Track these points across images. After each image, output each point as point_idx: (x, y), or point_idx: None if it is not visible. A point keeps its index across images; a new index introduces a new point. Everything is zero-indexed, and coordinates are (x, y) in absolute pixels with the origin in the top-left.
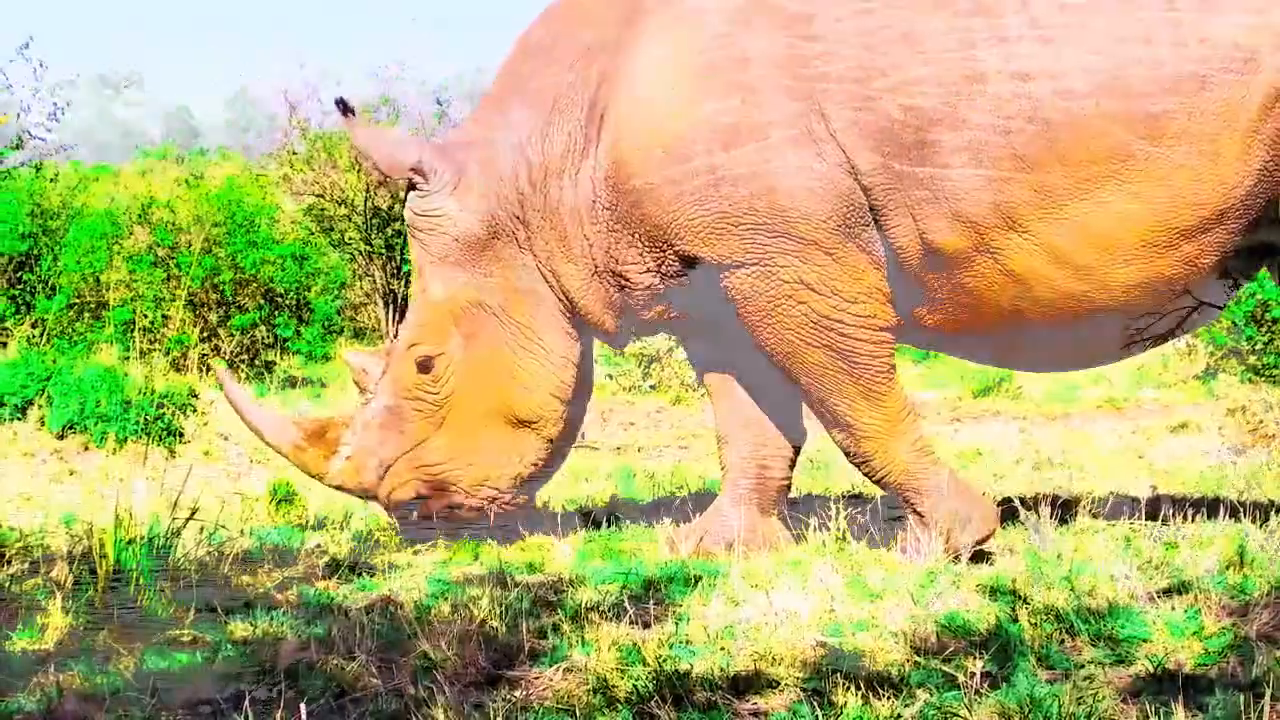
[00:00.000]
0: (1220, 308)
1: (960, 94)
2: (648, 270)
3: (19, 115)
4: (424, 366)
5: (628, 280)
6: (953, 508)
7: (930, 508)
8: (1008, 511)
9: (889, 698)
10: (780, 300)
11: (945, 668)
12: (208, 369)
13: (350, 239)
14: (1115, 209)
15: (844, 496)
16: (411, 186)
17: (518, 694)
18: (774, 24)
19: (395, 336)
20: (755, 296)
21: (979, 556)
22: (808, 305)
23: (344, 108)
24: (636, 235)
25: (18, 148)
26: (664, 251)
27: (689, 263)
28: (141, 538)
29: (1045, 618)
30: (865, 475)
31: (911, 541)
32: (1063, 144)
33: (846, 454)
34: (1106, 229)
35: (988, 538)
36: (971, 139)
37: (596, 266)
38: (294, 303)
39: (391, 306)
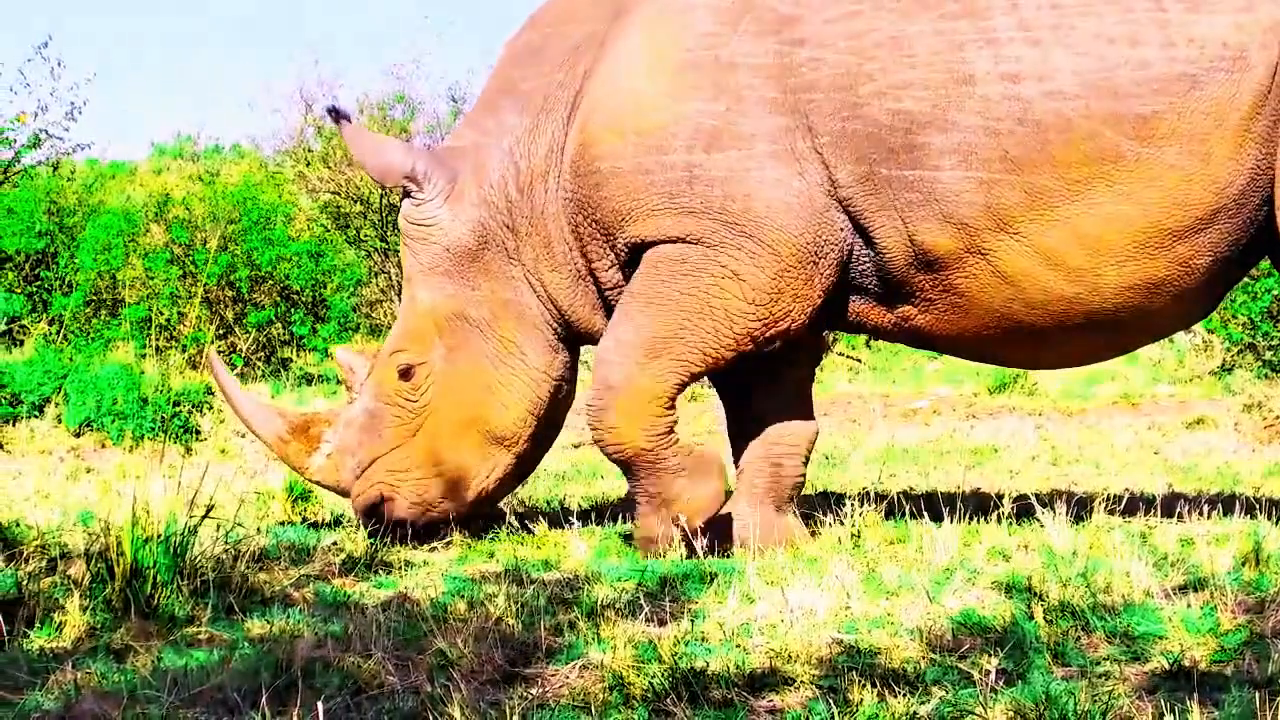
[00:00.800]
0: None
1: (949, 96)
2: (612, 265)
3: (37, 114)
4: (405, 374)
5: (600, 281)
6: (676, 492)
7: (656, 486)
8: (1023, 508)
9: (904, 695)
10: (699, 273)
11: (961, 665)
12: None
13: (366, 236)
14: (1106, 210)
15: (859, 493)
16: (406, 194)
17: (534, 691)
18: (764, 28)
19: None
20: (679, 262)
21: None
22: (723, 291)
23: (336, 115)
24: (594, 223)
25: (35, 146)
26: (615, 238)
27: (636, 248)
28: (158, 536)
29: (1061, 614)
30: (601, 446)
31: (644, 529)
32: (1052, 145)
33: (594, 419)
34: (1098, 230)
35: (714, 510)
36: (961, 141)
37: (579, 271)
38: (310, 300)
39: None
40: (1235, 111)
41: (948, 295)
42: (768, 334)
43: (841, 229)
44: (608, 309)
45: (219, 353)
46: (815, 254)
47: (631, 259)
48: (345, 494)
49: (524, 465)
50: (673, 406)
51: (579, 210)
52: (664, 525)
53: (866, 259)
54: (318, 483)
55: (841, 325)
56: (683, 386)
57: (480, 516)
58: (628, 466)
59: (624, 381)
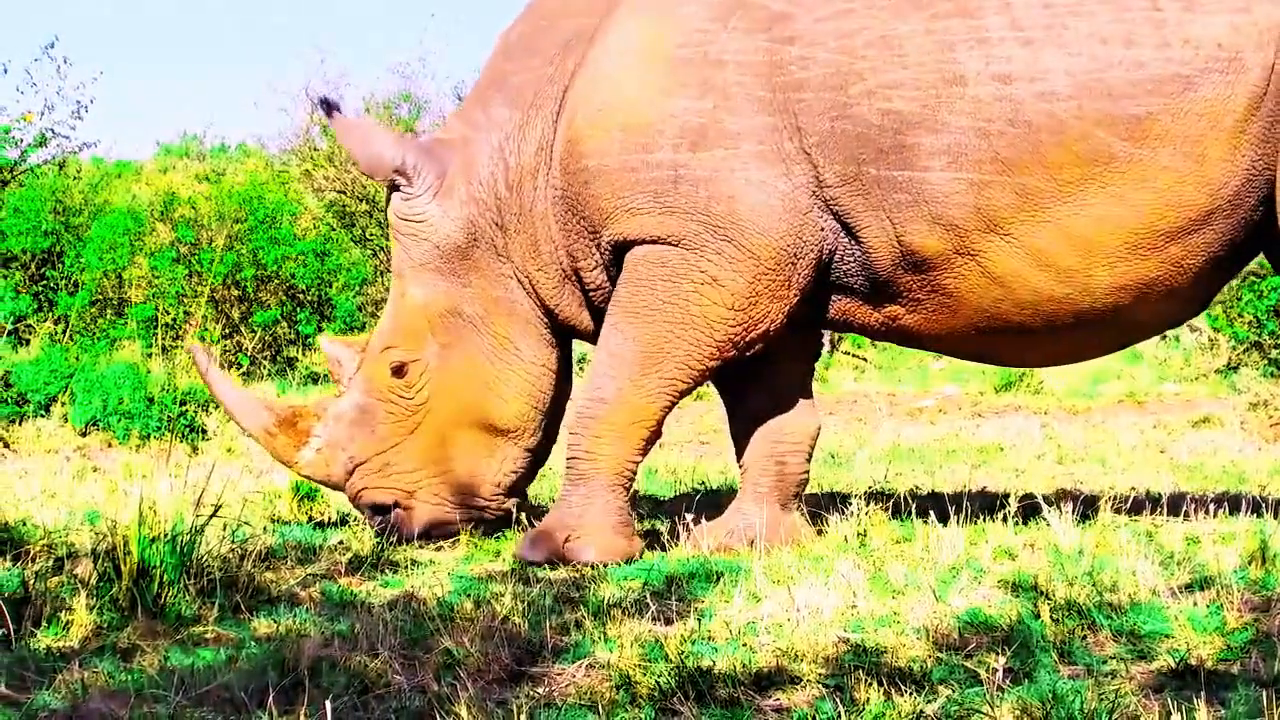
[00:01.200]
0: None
1: (940, 96)
2: (597, 265)
3: (43, 113)
4: (398, 371)
5: (584, 282)
6: (592, 522)
7: (578, 505)
8: (1029, 507)
9: (911, 694)
10: (678, 279)
11: (967, 664)
12: (231, 365)
13: (372, 235)
14: (1098, 211)
15: (865, 492)
16: (395, 187)
17: (540, 690)
18: (755, 25)
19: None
20: (658, 266)
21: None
22: (702, 298)
23: (327, 106)
24: (581, 221)
25: (41, 145)
26: (600, 236)
27: (620, 247)
28: (165, 535)
29: (1067, 613)
30: (571, 450)
31: (528, 539)
32: (1044, 146)
33: (579, 426)
34: (1089, 231)
35: (603, 560)
36: (952, 142)
37: (564, 271)
38: (315, 299)
39: None
40: (1230, 113)
41: (936, 295)
42: (748, 338)
43: (823, 229)
44: (592, 309)
45: (222, 352)
46: (794, 256)
47: (615, 259)
48: (336, 488)
49: (535, 456)
50: (658, 434)
51: (567, 208)
52: (555, 545)
53: (853, 259)
54: (307, 477)
55: (829, 324)
56: (669, 408)
57: (511, 514)
58: (579, 478)
59: (616, 395)
